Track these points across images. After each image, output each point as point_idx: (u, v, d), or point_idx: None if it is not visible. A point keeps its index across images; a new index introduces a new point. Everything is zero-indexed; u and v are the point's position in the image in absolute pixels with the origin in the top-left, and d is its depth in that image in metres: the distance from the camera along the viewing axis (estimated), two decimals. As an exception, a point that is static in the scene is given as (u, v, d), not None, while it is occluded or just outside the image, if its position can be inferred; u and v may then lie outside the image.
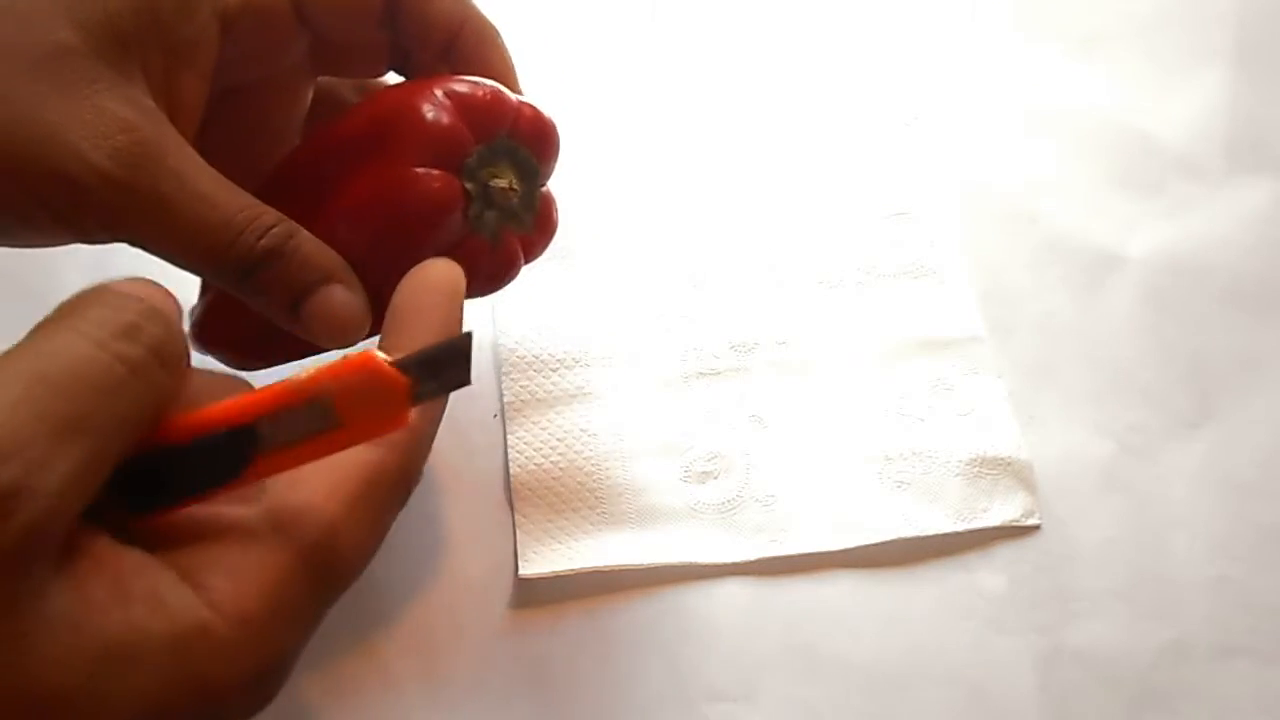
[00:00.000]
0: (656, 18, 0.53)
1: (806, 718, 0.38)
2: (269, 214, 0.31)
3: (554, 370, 0.43)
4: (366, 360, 0.24)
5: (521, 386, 0.43)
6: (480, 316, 0.44)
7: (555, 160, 0.35)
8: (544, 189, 0.36)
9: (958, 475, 0.42)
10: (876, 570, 0.40)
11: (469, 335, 0.26)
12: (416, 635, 0.39)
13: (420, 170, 0.32)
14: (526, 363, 0.43)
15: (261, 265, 0.30)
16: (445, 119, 0.32)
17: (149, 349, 0.23)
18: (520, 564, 0.39)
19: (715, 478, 0.42)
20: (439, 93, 0.33)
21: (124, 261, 0.45)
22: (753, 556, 0.40)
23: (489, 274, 0.34)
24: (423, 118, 0.32)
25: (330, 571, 0.25)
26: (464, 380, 0.26)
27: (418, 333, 0.27)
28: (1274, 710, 0.38)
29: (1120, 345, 0.45)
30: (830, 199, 0.48)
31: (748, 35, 0.52)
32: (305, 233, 0.31)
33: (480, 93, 0.33)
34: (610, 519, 0.40)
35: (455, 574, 0.40)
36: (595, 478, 0.41)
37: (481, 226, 0.33)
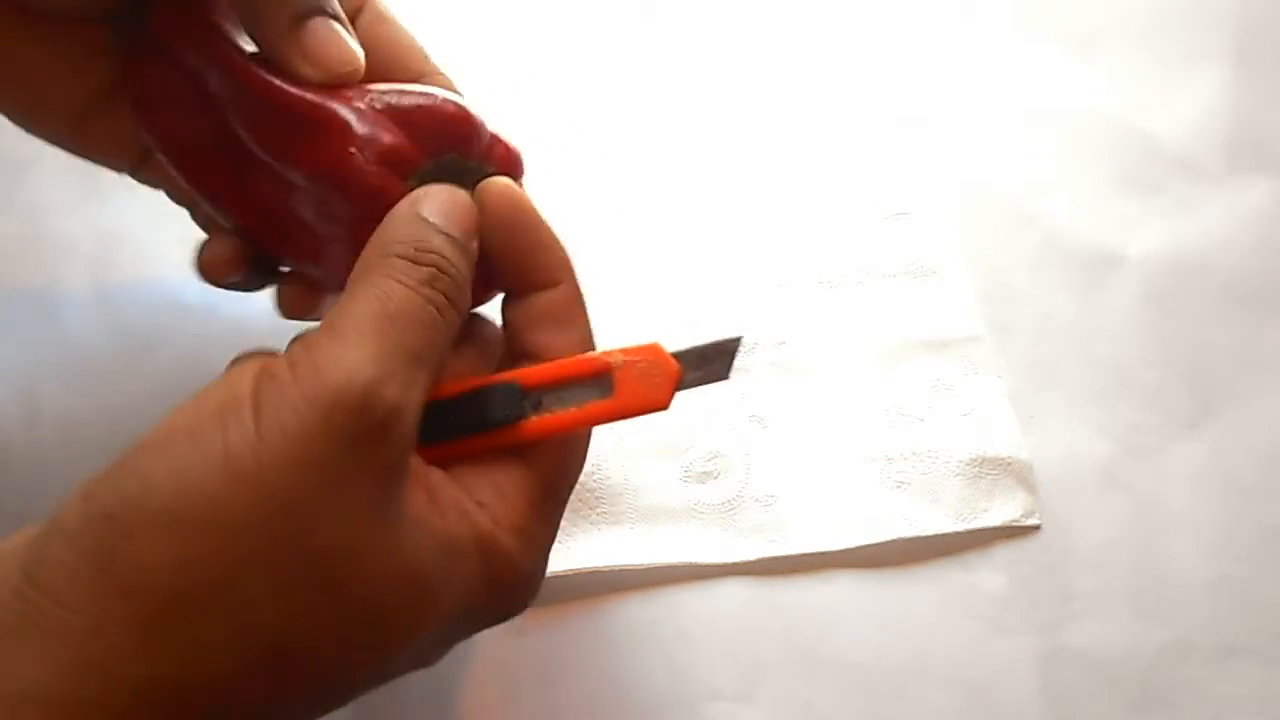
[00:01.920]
0: (654, 18, 0.53)
1: (806, 718, 0.38)
2: None
3: (554, 370, 0.43)
4: (654, 347, 0.30)
5: (521, 387, 0.43)
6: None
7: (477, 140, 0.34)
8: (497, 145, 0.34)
9: (958, 475, 0.42)
10: (876, 570, 0.40)
11: (739, 339, 0.31)
12: (416, 635, 0.39)
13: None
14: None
15: None
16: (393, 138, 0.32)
17: (447, 296, 0.28)
18: (520, 564, 0.39)
19: (715, 478, 0.42)
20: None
21: (125, 262, 0.45)
22: (753, 556, 0.40)
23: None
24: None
25: (566, 485, 0.31)
26: (724, 376, 0.30)
27: (533, 272, 0.31)
28: (1274, 710, 0.38)
29: (1120, 345, 0.45)
30: (830, 199, 0.48)
31: (747, 35, 0.52)
32: None
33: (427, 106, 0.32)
34: (610, 519, 0.40)
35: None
36: (595, 478, 0.41)
37: None
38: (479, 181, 0.32)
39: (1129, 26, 0.53)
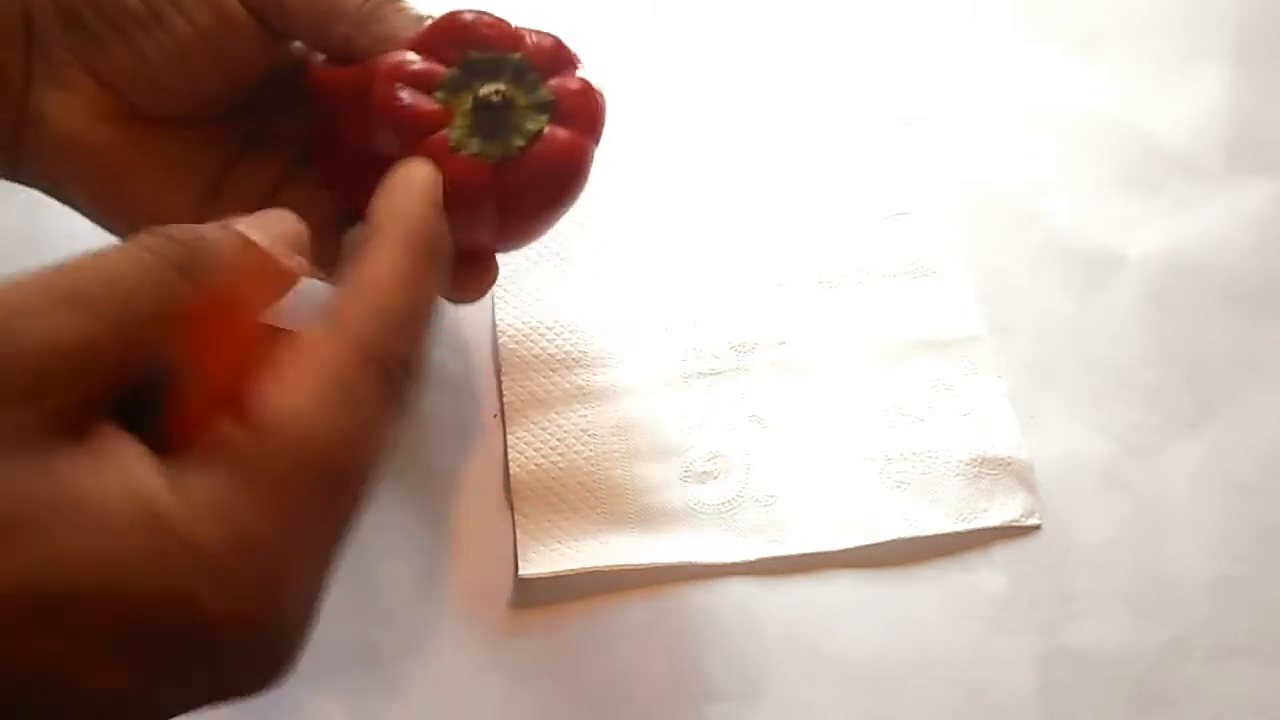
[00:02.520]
0: (657, 16, 0.52)
1: (807, 717, 0.38)
2: None
3: (554, 370, 0.43)
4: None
5: (521, 386, 0.43)
6: (480, 315, 0.44)
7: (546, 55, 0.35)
8: (566, 82, 0.35)
9: (958, 475, 0.42)
10: (876, 570, 0.40)
11: None
12: (416, 635, 0.39)
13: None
14: (526, 363, 0.43)
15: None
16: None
17: (168, 259, 0.22)
18: (520, 564, 0.39)
19: (715, 478, 0.42)
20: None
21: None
22: (753, 556, 0.40)
23: (532, 183, 0.35)
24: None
25: (342, 467, 0.22)
26: None
27: (381, 251, 0.25)
28: (1274, 710, 0.38)
29: (1120, 345, 0.45)
30: (830, 199, 0.48)
31: (748, 35, 0.52)
32: None
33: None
34: (610, 519, 0.40)
35: (455, 574, 0.40)
36: (595, 478, 0.41)
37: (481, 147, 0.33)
38: (520, 74, 0.34)
39: (1129, 26, 0.53)
